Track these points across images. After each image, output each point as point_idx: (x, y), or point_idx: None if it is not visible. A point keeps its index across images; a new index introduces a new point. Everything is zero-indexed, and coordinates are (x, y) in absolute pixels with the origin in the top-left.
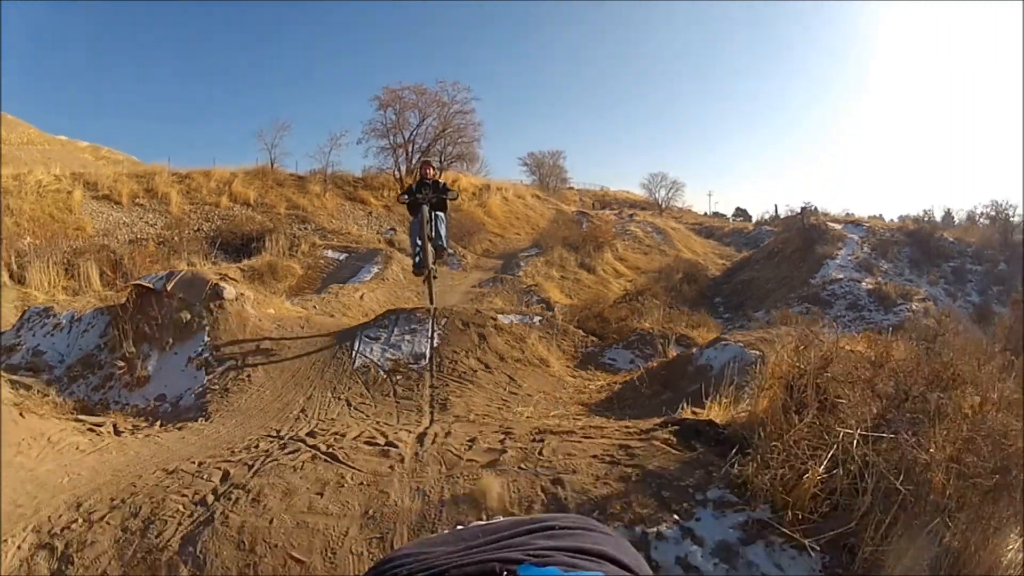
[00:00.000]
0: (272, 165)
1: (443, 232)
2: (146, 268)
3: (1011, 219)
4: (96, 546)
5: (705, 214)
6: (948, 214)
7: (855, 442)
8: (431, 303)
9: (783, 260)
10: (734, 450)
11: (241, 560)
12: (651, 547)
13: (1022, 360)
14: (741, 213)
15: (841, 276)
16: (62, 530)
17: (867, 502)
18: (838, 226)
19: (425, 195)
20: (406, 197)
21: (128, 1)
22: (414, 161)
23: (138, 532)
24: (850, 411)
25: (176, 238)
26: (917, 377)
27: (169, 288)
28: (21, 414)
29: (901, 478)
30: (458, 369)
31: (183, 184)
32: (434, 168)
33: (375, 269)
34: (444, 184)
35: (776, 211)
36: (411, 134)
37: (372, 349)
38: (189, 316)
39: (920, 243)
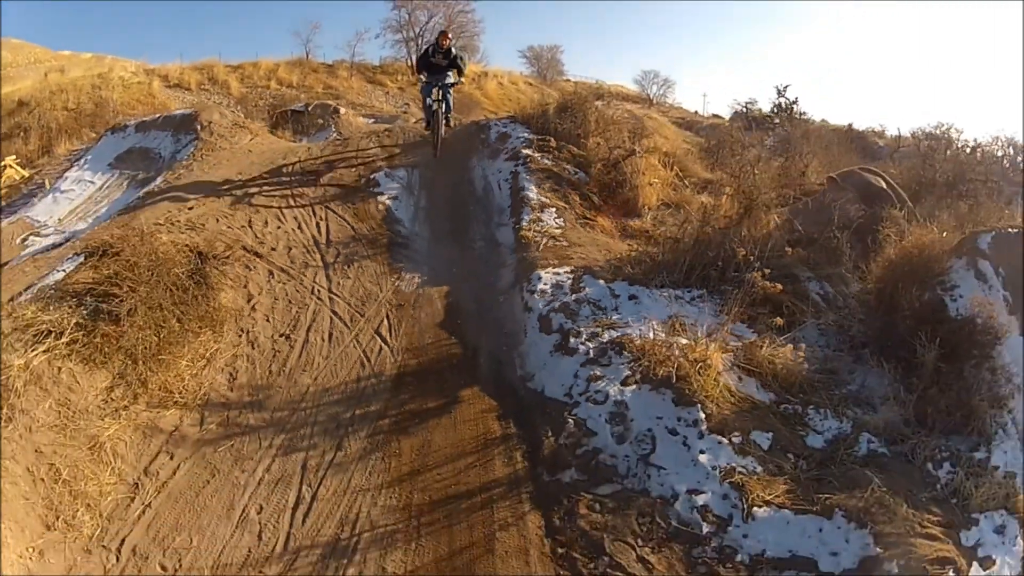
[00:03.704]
0: (307, 56)
1: (450, 101)
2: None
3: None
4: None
5: (696, 112)
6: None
7: None
8: (436, 152)
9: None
10: None
11: None
12: None
13: None
14: (719, 116)
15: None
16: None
17: None
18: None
19: (438, 60)
20: (423, 65)
21: None
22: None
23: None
24: None
25: (246, 110)
26: None
27: (309, 109)
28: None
29: None
30: None
31: (236, 72)
32: (449, 38)
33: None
34: (457, 54)
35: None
36: (421, 29)
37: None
38: (321, 121)
39: (851, 141)
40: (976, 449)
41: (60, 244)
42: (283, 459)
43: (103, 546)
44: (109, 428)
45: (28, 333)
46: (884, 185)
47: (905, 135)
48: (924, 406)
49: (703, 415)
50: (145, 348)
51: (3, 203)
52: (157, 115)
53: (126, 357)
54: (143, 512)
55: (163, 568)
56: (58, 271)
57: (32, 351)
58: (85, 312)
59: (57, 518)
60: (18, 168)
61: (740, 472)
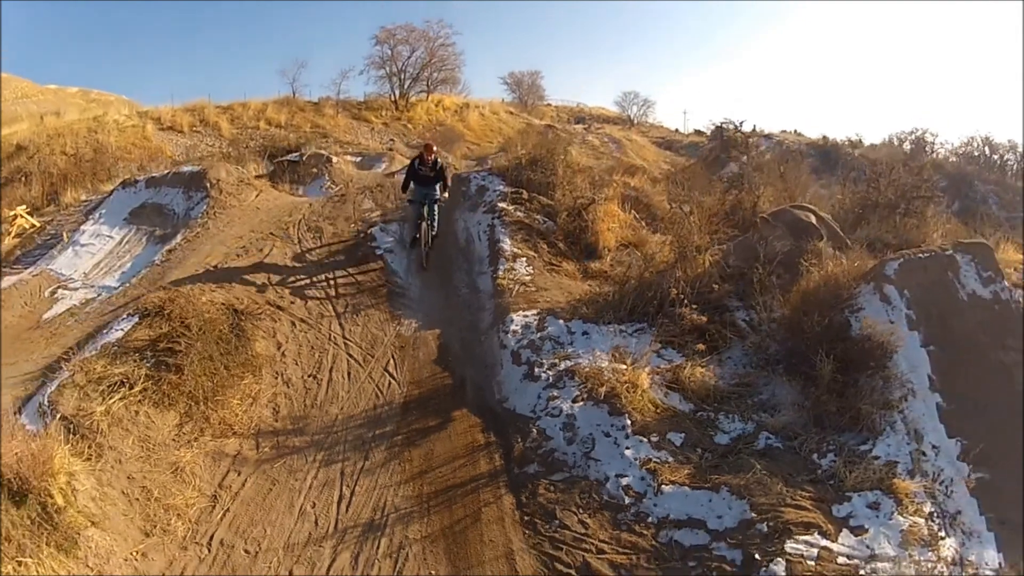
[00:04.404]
0: (294, 95)
1: (436, 216)
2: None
3: (929, 143)
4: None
5: (676, 131)
6: (860, 139)
7: None
8: (424, 264)
9: (706, 165)
10: None
11: None
12: None
13: None
14: (700, 133)
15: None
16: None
17: None
18: (752, 139)
19: (425, 172)
20: (411, 183)
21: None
22: (407, 85)
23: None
24: None
25: (237, 152)
26: None
27: (304, 159)
28: (258, 189)
29: None
30: None
31: (227, 114)
32: (434, 151)
33: (383, 165)
34: (443, 165)
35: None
36: (403, 64)
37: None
38: (316, 170)
39: (823, 155)
40: (864, 443)
41: (93, 299)
42: (325, 469)
43: (196, 542)
44: (185, 456)
45: (103, 384)
46: (813, 220)
47: (883, 140)
48: (820, 410)
49: (629, 422)
50: (203, 392)
51: (19, 252)
52: (167, 171)
53: (189, 399)
54: (224, 515)
55: (247, 552)
56: (116, 330)
57: (110, 399)
58: (149, 365)
59: (154, 527)
60: (28, 218)
61: (655, 461)
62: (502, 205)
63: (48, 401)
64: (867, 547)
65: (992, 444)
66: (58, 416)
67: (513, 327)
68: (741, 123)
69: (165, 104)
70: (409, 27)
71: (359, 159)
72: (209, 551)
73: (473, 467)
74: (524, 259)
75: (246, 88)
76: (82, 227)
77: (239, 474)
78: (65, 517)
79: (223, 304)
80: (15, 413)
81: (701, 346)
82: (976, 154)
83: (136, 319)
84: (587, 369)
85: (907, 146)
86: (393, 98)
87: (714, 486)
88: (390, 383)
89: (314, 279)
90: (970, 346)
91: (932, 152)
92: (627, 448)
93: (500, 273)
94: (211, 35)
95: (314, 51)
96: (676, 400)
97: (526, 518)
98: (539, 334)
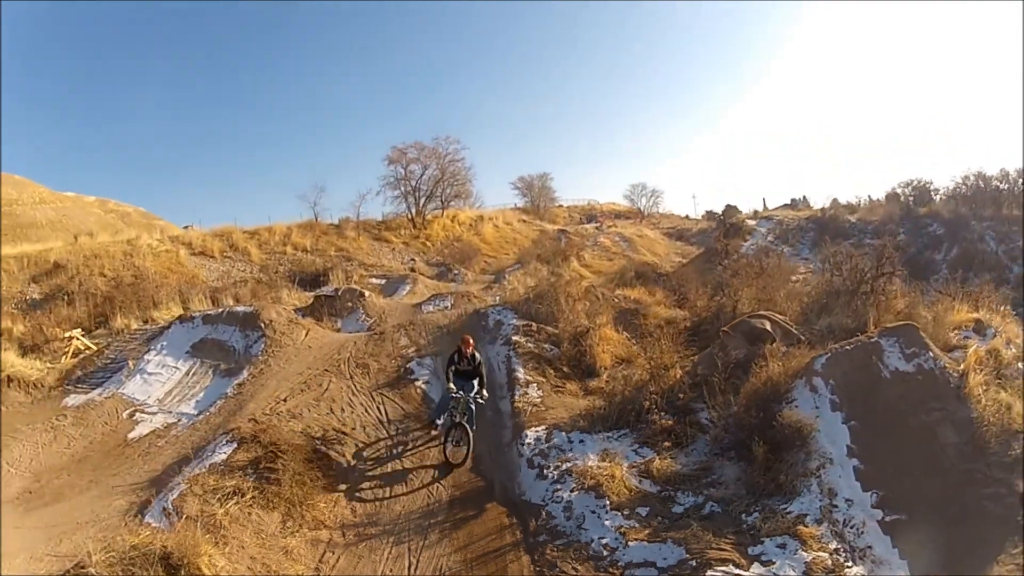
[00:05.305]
0: (316, 218)
1: (474, 413)
2: (259, 297)
3: (930, 191)
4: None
5: (686, 217)
6: (859, 201)
7: None
8: (465, 461)
9: (712, 254)
10: None
11: None
12: None
13: None
14: (711, 215)
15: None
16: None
17: None
18: (752, 222)
19: (463, 366)
20: (452, 371)
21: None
22: (422, 203)
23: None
24: None
25: (269, 278)
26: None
27: (339, 294)
28: (305, 328)
29: None
30: None
31: (254, 239)
32: (472, 344)
33: (407, 287)
34: (480, 361)
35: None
36: (416, 182)
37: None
38: (351, 304)
39: (821, 227)
40: (784, 504)
41: (175, 423)
42: (396, 547)
43: None
44: (291, 542)
45: (218, 493)
46: (768, 326)
47: (887, 192)
48: (753, 482)
49: (608, 502)
50: (298, 497)
51: (79, 373)
52: (221, 310)
53: (287, 503)
54: None
55: None
56: (219, 453)
57: (227, 503)
58: (253, 479)
59: None
60: (84, 340)
61: (625, 527)
62: (516, 338)
63: (172, 505)
64: (774, 574)
65: (914, 491)
66: (184, 516)
67: (527, 440)
68: (740, 219)
69: (180, 218)
70: (419, 145)
71: (383, 282)
72: None
73: (501, 539)
74: (535, 384)
75: (259, 194)
76: (146, 356)
77: (333, 553)
78: None
79: (302, 432)
80: (137, 514)
81: (667, 444)
82: (970, 193)
83: (235, 445)
84: (581, 468)
85: (908, 198)
86: (410, 216)
87: (663, 539)
88: (438, 487)
89: (368, 408)
90: (891, 415)
91: (931, 200)
92: (606, 520)
93: (516, 398)
94: (223, 148)
95: (330, 173)
96: (647, 484)
97: (537, 569)
98: (546, 444)
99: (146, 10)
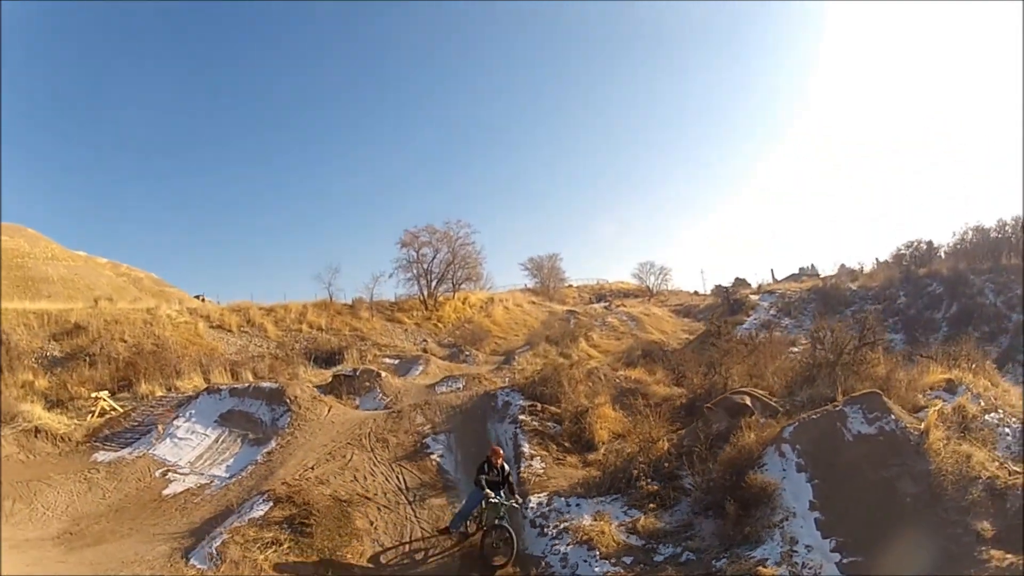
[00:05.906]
0: (331, 298)
1: (507, 519)
2: (277, 372)
3: (931, 250)
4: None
5: (695, 292)
6: (861, 268)
7: None
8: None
9: (708, 334)
10: None
11: None
12: None
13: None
14: (719, 289)
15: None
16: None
17: None
18: (755, 296)
19: (492, 476)
20: (484, 480)
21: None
22: (434, 285)
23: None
24: None
25: (286, 355)
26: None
27: (358, 374)
28: (328, 404)
29: None
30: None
31: (270, 315)
32: (501, 455)
33: (420, 367)
34: (508, 472)
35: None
36: (428, 265)
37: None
38: (368, 384)
39: (823, 298)
40: (750, 551)
41: (208, 484)
42: None
43: None
44: None
45: (258, 543)
46: (748, 401)
47: (890, 253)
48: (725, 533)
49: (598, 552)
50: (328, 549)
51: (107, 432)
52: (247, 384)
53: (319, 553)
54: None
55: None
56: (257, 509)
57: (267, 551)
58: (289, 532)
59: None
60: (110, 401)
61: (611, 573)
62: (522, 417)
63: (216, 551)
64: None
65: (871, 536)
66: (228, 560)
67: (531, 505)
68: (744, 295)
69: (191, 287)
70: (431, 229)
71: (397, 361)
72: None
73: None
74: (539, 457)
75: (274, 272)
76: (175, 422)
77: None
78: None
79: (331, 495)
80: (183, 556)
81: (653, 505)
82: (969, 248)
83: (271, 503)
84: (576, 526)
85: (909, 261)
86: (422, 298)
87: None
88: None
89: (388, 477)
90: (853, 472)
91: (931, 259)
92: (596, 567)
93: (522, 469)
94: (240, 227)
95: (344, 253)
96: (633, 539)
97: None
98: (548, 508)
99: (164, 100)
